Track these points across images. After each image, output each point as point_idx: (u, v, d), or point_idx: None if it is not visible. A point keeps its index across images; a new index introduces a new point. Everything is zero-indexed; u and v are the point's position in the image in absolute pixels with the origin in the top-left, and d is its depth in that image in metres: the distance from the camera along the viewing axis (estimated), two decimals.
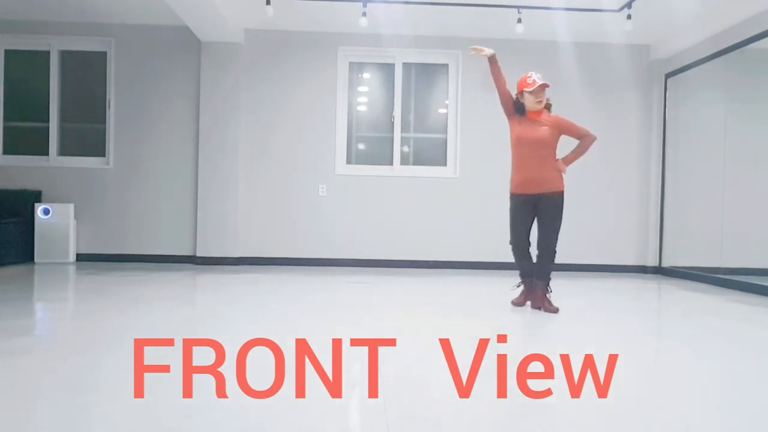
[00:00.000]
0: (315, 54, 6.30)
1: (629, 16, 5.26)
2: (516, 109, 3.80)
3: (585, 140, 3.73)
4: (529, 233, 3.85)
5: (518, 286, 3.98)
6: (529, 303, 3.92)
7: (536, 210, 3.76)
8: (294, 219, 6.29)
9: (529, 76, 3.69)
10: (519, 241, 3.85)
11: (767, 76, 5.14)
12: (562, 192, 3.74)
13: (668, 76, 6.31)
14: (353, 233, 6.31)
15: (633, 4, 5.18)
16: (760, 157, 5.11)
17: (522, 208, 3.79)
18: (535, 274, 3.82)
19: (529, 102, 3.70)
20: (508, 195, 3.90)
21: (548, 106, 3.81)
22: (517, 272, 3.97)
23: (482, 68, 6.36)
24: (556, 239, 3.76)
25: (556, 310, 3.72)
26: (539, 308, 3.79)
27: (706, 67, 5.69)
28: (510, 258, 4.00)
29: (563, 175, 3.76)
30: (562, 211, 3.75)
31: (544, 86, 3.69)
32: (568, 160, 3.75)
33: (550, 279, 3.82)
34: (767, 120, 5.08)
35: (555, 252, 3.79)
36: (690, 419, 1.88)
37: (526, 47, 6.37)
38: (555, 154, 3.76)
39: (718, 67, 5.54)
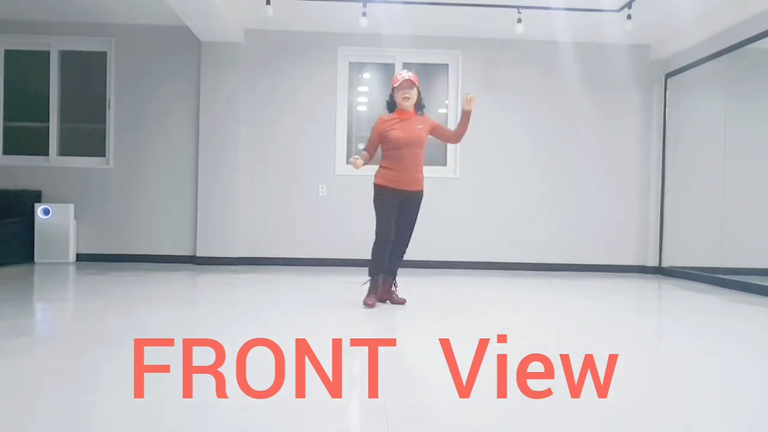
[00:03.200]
0: (315, 54, 6.30)
1: (629, 16, 5.26)
2: (388, 107, 3.90)
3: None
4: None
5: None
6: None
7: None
8: (294, 219, 6.29)
9: (400, 74, 3.80)
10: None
11: (767, 76, 5.14)
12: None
13: (668, 76, 6.31)
14: (353, 233, 6.30)
15: (633, 4, 5.18)
16: (760, 158, 5.11)
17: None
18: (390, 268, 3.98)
19: (397, 98, 3.79)
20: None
21: (419, 106, 3.86)
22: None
23: (482, 68, 6.41)
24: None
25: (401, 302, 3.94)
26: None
27: (706, 67, 5.69)
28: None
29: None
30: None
31: (409, 82, 3.74)
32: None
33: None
34: (767, 120, 5.08)
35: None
36: (690, 419, 1.88)
37: (526, 47, 6.37)
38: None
39: (718, 67, 5.54)
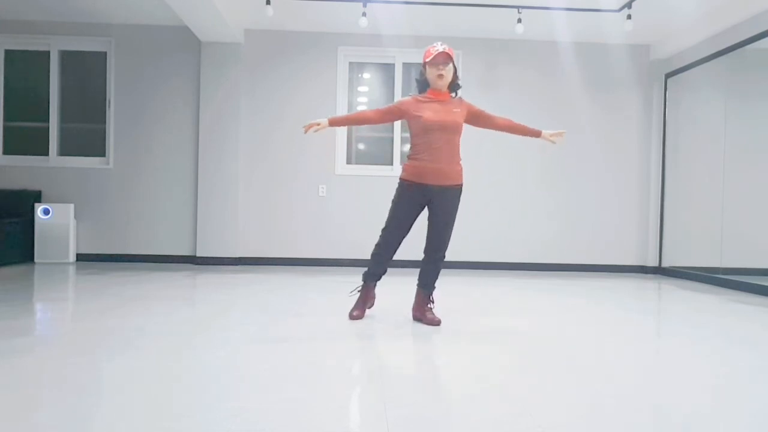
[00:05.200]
0: (315, 54, 6.31)
1: (629, 16, 5.26)
2: (419, 86, 3.31)
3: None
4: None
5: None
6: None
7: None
8: (294, 219, 6.30)
9: (433, 47, 3.19)
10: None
11: (767, 77, 5.14)
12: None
13: (668, 76, 6.31)
14: (353, 233, 6.31)
15: (633, 4, 5.18)
16: (760, 157, 5.11)
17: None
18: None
19: (430, 75, 3.21)
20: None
21: (454, 87, 3.28)
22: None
23: (482, 68, 6.41)
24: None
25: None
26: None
27: (706, 67, 5.69)
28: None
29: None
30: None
31: (444, 55, 3.15)
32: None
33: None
34: (767, 120, 5.08)
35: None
36: (690, 418, 1.88)
37: (526, 47, 6.37)
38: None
39: (718, 67, 5.54)
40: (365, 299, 3.46)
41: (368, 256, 3.57)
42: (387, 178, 6.35)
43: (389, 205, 3.33)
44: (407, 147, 6.51)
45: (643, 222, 6.49)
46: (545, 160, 6.40)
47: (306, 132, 3.23)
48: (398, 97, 6.39)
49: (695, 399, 2.09)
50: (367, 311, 3.54)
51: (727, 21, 5.25)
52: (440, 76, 3.17)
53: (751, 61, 5.20)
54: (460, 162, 3.29)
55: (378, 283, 3.53)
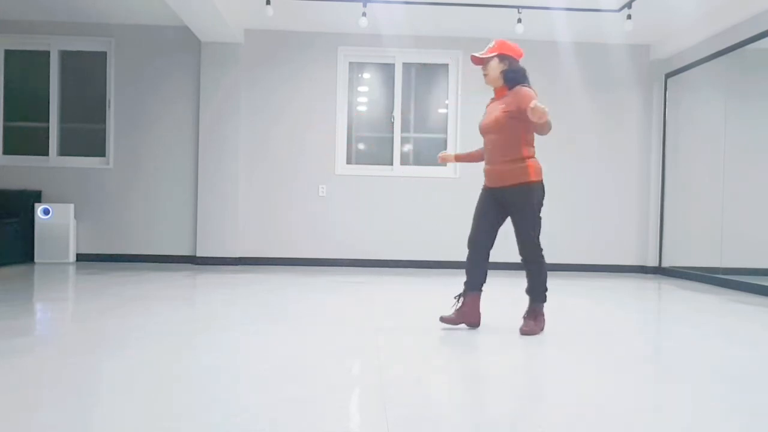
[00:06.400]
0: (315, 54, 6.31)
1: (629, 16, 5.26)
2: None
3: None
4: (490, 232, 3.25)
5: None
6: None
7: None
8: (294, 219, 6.30)
9: None
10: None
11: (767, 77, 5.14)
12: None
13: (668, 76, 6.31)
14: (353, 233, 6.31)
15: (633, 4, 5.18)
16: (760, 157, 5.11)
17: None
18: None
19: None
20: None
21: (508, 78, 3.13)
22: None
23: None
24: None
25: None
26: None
27: (706, 67, 5.69)
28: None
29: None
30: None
31: (473, 59, 3.21)
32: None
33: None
34: (767, 120, 5.08)
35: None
36: (690, 419, 1.88)
37: (526, 47, 6.27)
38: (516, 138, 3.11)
39: (718, 67, 5.54)
40: (463, 308, 3.14)
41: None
42: (387, 178, 6.35)
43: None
44: (407, 147, 6.53)
45: (643, 222, 6.48)
46: (544, 159, 6.35)
47: (441, 160, 3.53)
48: (398, 97, 6.41)
49: (695, 399, 2.09)
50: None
51: (727, 21, 5.25)
52: (484, 75, 3.21)
53: (751, 61, 5.20)
54: (515, 161, 3.10)
55: (480, 294, 3.20)
